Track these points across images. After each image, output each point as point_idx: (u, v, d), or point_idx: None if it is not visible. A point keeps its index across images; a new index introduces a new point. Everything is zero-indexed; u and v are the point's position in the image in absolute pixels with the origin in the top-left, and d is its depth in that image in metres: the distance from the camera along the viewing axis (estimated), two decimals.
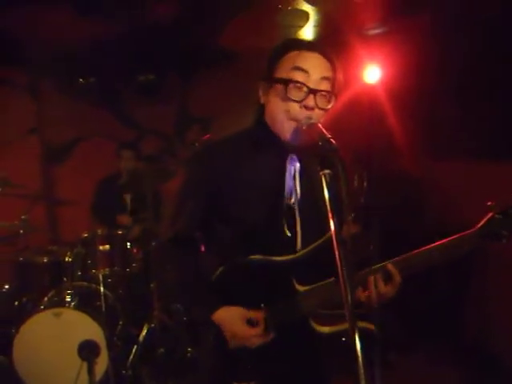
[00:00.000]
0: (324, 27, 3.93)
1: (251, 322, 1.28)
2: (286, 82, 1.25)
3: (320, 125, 1.21)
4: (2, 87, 4.45)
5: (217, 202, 1.33)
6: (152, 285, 3.34)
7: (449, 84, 3.59)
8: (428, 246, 1.25)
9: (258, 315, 1.28)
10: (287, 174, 1.33)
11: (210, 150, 1.39)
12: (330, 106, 1.28)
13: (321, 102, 1.25)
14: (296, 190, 1.33)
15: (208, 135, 4.05)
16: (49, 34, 3.96)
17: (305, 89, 1.24)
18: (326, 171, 1.07)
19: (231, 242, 1.35)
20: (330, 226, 1.16)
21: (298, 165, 1.35)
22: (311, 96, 1.24)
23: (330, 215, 1.03)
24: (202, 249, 1.44)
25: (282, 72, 1.27)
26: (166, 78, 4.69)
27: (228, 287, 1.35)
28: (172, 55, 4.30)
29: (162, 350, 3.25)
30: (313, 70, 1.25)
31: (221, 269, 1.37)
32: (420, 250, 1.24)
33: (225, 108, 4.58)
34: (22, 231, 3.22)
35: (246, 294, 1.33)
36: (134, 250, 3.40)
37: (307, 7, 3.51)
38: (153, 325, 3.32)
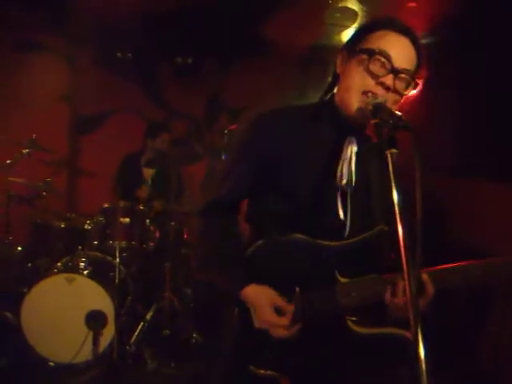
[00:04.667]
0: None
1: (279, 311, 1.21)
2: (372, 54, 1.19)
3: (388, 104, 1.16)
4: (40, 52, 4.47)
5: (268, 171, 1.27)
6: (166, 265, 3.30)
7: (451, 101, 3.49)
8: (468, 263, 1.18)
9: (287, 306, 1.21)
10: (343, 155, 1.27)
11: (271, 117, 1.32)
12: (406, 92, 1.22)
13: (399, 84, 1.20)
14: (351, 172, 1.27)
15: (235, 125, 4.04)
16: (95, 4, 3.96)
17: (388, 66, 1.18)
18: (394, 150, 1.00)
19: (276, 216, 1.28)
20: (386, 213, 1.10)
21: (355, 147, 1.28)
22: (391, 76, 1.19)
23: (394, 199, 0.96)
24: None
25: (368, 46, 1.22)
26: (203, 64, 4.66)
27: (264, 263, 1.28)
28: (214, 41, 4.27)
29: (167, 331, 3.22)
30: (397, 55, 1.19)
31: (259, 242, 1.29)
32: (459, 264, 1.18)
33: (255, 101, 4.54)
34: (44, 193, 3.20)
35: (281, 273, 1.26)
36: (151, 228, 3.36)
37: (357, 7, 3.45)
38: (161, 306, 3.28)
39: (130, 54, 4.48)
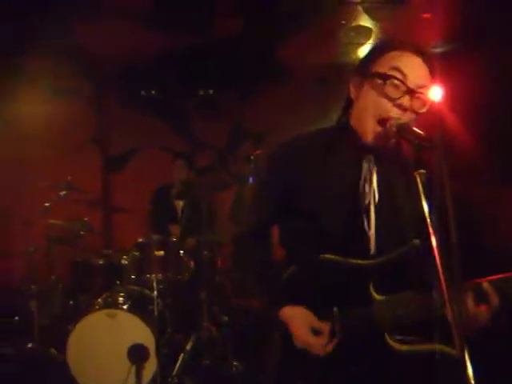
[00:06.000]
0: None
1: (315, 331, 1.23)
2: (385, 78, 1.20)
3: (411, 124, 1.17)
4: (71, 98, 4.70)
5: (293, 197, 1.31)
6: (202, 294, 3.33)
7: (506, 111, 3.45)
8: None
9: (323, 326, 1.23)
10: (363, 175, 1.29)
11: (290, 146, 1.37)
12: (422, 110, 1.23)
13: (416, 104, 1.21)
14: (373, 191, 1.29)
15: (259, 150, 4.09)
16: (118, 47, 4.16)
17: (403, 87, 1.20)
18: (422, 171, 1.02)
19: (305, 240, 1.31)
20: (417, 229, 1.11)
21: (374, 166, 1.30)
22: (407, 96, 1.20)
23: (427, 219, 0.97)
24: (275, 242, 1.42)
25: (381, 69, 1.23)
26: (224, 93, 4.78)
27: (300, 287, 1.31)
28: (233, 70, 4.39)
29: (207, 361, 3.21)
30: (412, 74, 1.20)
31: (293, 267, 1.33)
32: None
33: (278, 124, 4.61)
34: (82, 232, 3.32)
35: (318, 296, 1.28)
36: (185, 259, 3.41)
37: (371, 24, 3.49)
38: (200, 335, 3.30)
39: (153, 91, 4.65)
